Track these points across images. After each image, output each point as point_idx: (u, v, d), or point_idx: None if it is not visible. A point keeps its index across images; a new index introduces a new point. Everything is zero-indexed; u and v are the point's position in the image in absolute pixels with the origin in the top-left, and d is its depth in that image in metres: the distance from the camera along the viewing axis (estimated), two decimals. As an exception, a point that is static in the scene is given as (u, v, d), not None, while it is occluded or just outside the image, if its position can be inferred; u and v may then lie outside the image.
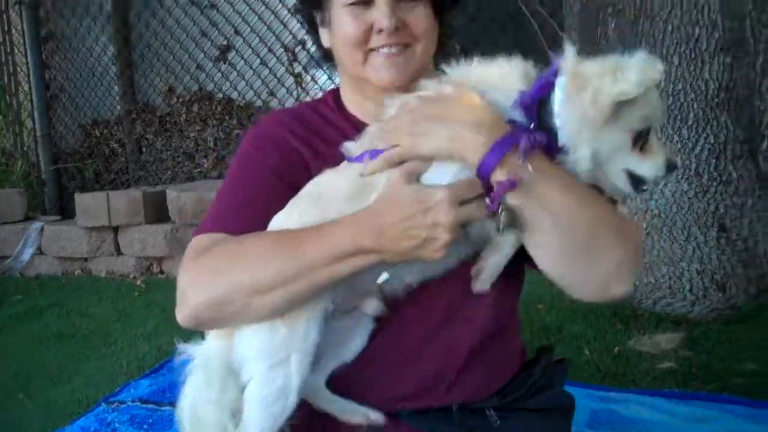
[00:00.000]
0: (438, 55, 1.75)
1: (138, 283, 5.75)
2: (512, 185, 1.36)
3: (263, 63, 7.08)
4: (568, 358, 1.97)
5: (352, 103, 1.79)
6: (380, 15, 1.59)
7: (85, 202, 6.24)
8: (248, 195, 1.66)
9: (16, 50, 8.56)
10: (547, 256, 1.50)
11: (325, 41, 1.76)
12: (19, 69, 8.57)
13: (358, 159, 1.50)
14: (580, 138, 1.41)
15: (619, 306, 3.96)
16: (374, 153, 1.47)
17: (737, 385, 3.15)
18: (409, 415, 1.67)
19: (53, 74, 8.30)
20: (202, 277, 1.53)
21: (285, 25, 6.84)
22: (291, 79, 6.98)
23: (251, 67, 7.17)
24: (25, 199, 7.09)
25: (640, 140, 1.42)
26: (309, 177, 1.61)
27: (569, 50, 1.42)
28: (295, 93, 6.57)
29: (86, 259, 6.32)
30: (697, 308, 3.87)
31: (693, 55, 3.91)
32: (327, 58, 1.82)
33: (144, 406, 3.22)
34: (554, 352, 1.81)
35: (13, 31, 8.56)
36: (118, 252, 6.18)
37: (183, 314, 1.54)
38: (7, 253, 6.54)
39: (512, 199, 1.39)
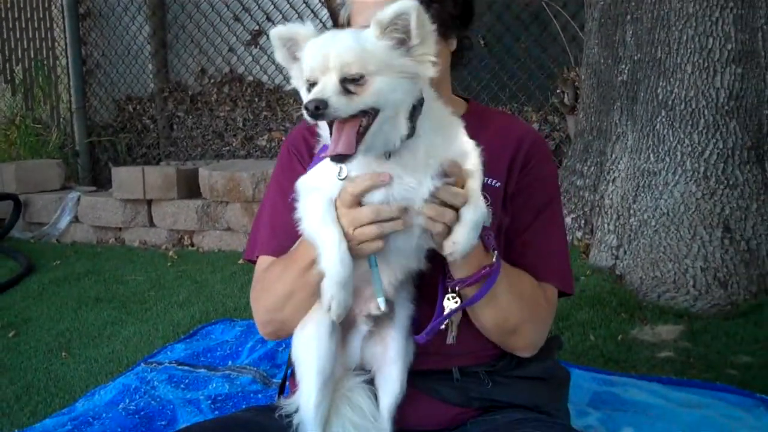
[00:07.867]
0: (457, 66, 2.01)
1: (170, 254, 5.94)
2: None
3: (293, 48, 7.23)
4: (573, 341, 2.08)
5: None
6: None
7: (121, 175, 6.51)
8: (284, 218, 1.84)
9: (55, 26, 8.82)
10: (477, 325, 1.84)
11: None
12: (57, 44, 8.84)
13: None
14: None
15: (625, 297, 4.08)
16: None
17: (731, 375, 3.24)
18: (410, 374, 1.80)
19: (90, 50, 8.53)
20: (253, 303, 1.97)
21: (315, 14, 6.99)
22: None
23: (281, 52, 7.33)
24: (63, 170, 7.37)
25: None
26: None
27: None
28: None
29: (120, 229, 6.57)
30: (699, 303, 3.97)
31: (706, 65, 4.07)
32: None
33: (180, 367, 3.35)
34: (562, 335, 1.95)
35: (53, 7, 8.81)
36: (151, 224, 6.42)
37: (257, 327, 1.98)
38: (45, 220, 6.81)
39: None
